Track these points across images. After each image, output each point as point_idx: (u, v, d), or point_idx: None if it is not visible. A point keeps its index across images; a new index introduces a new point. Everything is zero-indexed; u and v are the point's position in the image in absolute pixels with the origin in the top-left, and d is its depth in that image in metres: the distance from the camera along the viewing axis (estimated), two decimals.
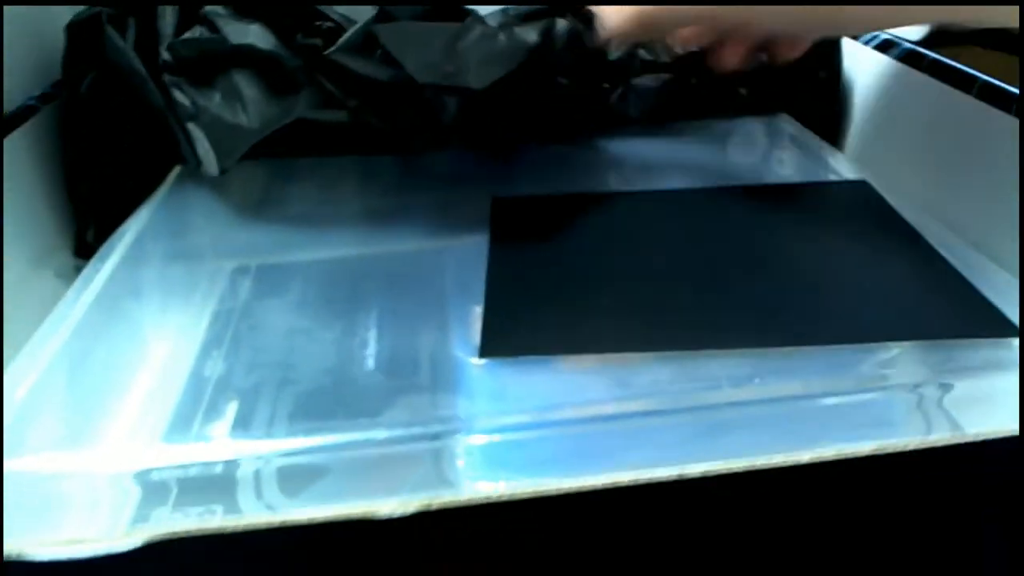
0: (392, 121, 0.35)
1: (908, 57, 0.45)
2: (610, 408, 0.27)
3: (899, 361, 0.30)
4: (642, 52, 0.48)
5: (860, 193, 0.40)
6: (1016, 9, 0.20)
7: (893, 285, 0.33)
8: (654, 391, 0.27)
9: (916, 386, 0.28)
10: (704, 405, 0.27)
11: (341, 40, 0.32)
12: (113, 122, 0.45)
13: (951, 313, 0.31)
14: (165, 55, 0.39)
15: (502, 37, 0.32)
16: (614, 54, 0.48)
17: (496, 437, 0.26)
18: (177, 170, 0.47)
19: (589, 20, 0.39)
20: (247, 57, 0.36)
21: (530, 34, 0.33)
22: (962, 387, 0.28)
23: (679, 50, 0.47)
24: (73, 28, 0.45)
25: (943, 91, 0.41)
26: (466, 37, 0.32)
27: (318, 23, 0.33)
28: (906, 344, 0.30)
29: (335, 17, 0.33)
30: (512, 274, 0.35)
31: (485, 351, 0.30)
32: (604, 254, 0.36)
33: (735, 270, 0.34)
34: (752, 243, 0.36)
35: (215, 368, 0.31)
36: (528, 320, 0.32)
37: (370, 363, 0.31)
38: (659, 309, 0.32)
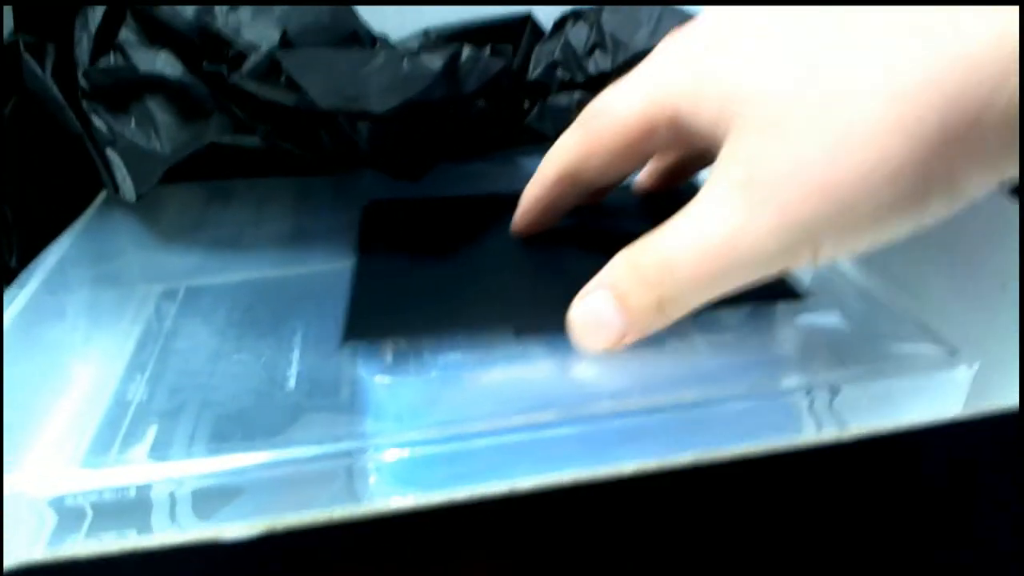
0: (304, 145, 0.36)
1: None
2: (513, 421, 0.28)
3: (790, 366, 0.32)
4: (559, 72, 0.50)
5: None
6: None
7: None
8: (549, 404, 0.29)
9: (807, 390, 0.30)
10: (600, 415, 0.28)
11: (244, 66, 0.33)
12: (35, 148, 0.45)
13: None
14: (82, 82, 0.40)
15: (405, 64, 0.34)
16: (533, 73, 0.49)
17: (404, 452, 0.27)
18: (103, 195, 0.47)
19: (504, 51, 0.40)
20: (158, 84, 0.37)
21: (434, 61, 0.34)
22: (852, 390, 0.30)
23: (593, 70, 0.49)
24: None
25: None
26: (370, 63, 0.33)
27: (224, 50, 0.34)
28: (798, 348, 0.32)
29: (240, 44, 0.34)
30: (380, 266, 0.36)
31: (348, 336, 0.31)
32: (470, 247, 0.38)
33: (580, 259, 0.36)
34: (597, 237, 0.38)
35: (137, 392, 0.32)
36: (393, 307, 0.33)
37: (290, 383, 0.32)
38: (516, 294, 0.34)
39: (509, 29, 0.50)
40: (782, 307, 0.33)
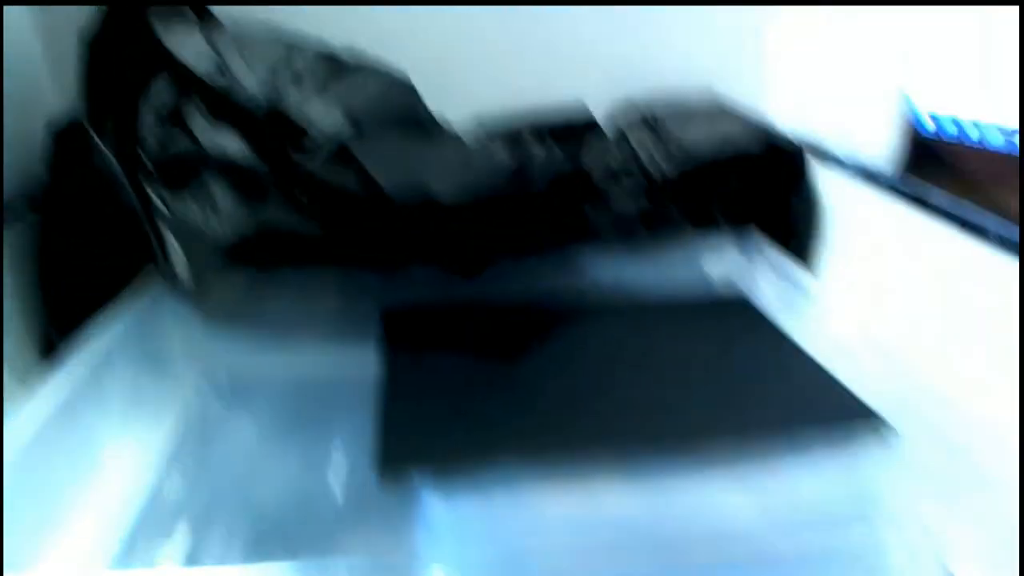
0: (363, 233, 0.35)
1: (871, 177, 0.46)
2: (577, 544, 0.26)
3: (886, 508, 0.29)
4: (622, 176, 0.49)
5: (741, 306, 0.44)
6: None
7: (772, 386, 0.35)
8: (625, 525, 0.26)
9: (908, 536, 0.28)
10: (678, 537, 0.26)
11: (314, 151, 0.32)
12: (91, 225, 0.44)
13: (824, 408, 0.33)
14: (144, 159, 0.39)
15: (476, 158, 0.33)
16: (595, 176, 0.48)
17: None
18: (152, 275, 0.46)
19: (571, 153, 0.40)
20: (220, 163, 0.36)
21: (505, 157, 0.33)
22: (960, 535, 0.27)
23: (656, 175, 0.48)
24: (57, 134, 0.45)
25: (902, 211, 0.42)
26: (440, 155, 0.33)
27: (290, 132, 0.34)
28: (892, 486, 0.30)
29: (307, 127, 0.33)
30: (408, 387, 0.35)
31: (384, 469, 0.29)
32: (499, 363, 0.37)
33: (626, 378, 0.35)
34: (642, 353, 0.37)
35: (174, 489, 0.30)
36: (426, 433, 0.32)
37: (335, 491, 0.30)
38: (553, 417, 0.32)
39: (571, 130, 0.50)
40: (871, 437, 0.31)
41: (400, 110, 0.37)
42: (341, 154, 0.33)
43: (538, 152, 0.35)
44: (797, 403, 0.33)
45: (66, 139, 0.43)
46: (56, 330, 0.44)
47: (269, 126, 0.36)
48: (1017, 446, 0.28)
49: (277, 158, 0.36)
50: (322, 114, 0.36)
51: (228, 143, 0.37)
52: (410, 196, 0.32)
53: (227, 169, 0.38)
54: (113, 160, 0.41)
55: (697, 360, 0.37)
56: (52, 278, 0.45)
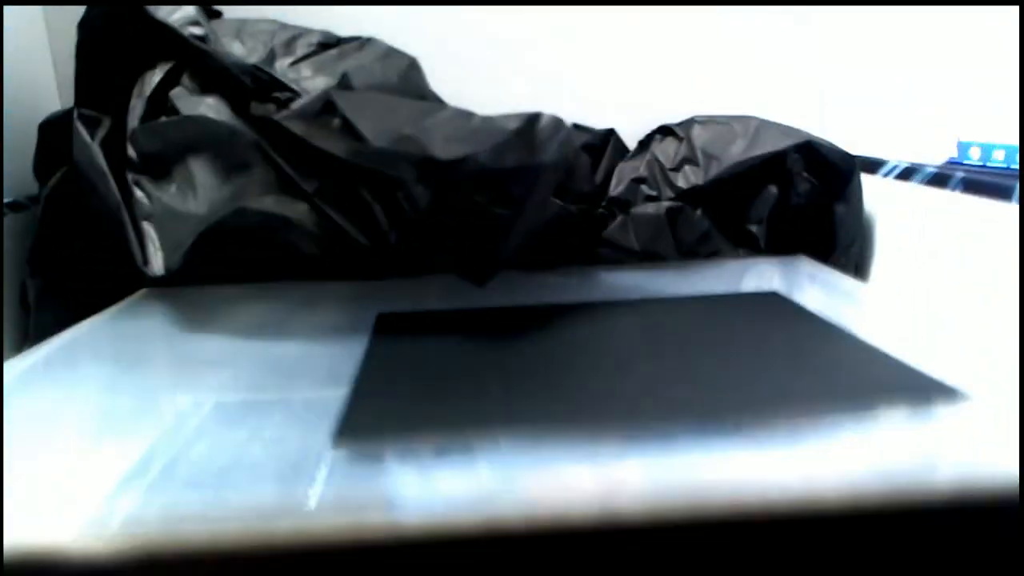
0: (354, 215, 0.31)
1: (935, 180, 0.41)
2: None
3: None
4: (644, 187, 0.45)
5: (773, 300, 0.39)
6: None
7: (820, 363, 0.31)
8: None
9: None
10: None
11: (296, 105, 0.29)
12: (77, 222, 0.41)
13: (885, 381, 0.29)
14: (130, 151, 0.36)
15: (476, 119, 0.29)
16: (616, 189, 0.45)
17: None
18: (136, 281, 0.43)
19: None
20: (202, 141, 0.33)
21: (510, 121, 0.30)
22: None
23: (683, 184, 0.44)
24: (45, 127, 0.43)
25: (980, 204, 0.37)
26: (435, 114, 0.29)
27: (276, 94, 0.30)
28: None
29: (295, 88, 0.30)
30: (381, 374, 0.32)
31: (340, 438, 0.26)
32: (496, 351, 0.33)
33: (645, 362, 0.31)
34: (663, 340, 0.33)
35: (134, 495, 0.25)
36: (388, 413, 0.29)
37: (311, 502, 0.25)
38: (547, 396, 0.29)
39: (589, 144, 0.47)
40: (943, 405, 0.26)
41: (399, 80, 0.34)
42: (325, 110, 0.30)
43: (549, 118, 0.31)
44: (853, 378, 0.28)
45: (53, 134, 0.41)
46: (31, 333, 0.40)
47: (256, 89, 0.33)
48: None
49: (261, 122, 0.32)
50: (313, 78, 0.33)
51: (212, 110, 0.34)
52: (398, 149, 0.28)
53: (210, 146, 0.35)
54: (99, 154, 0.38)
55: (725, 345, 0.33)
56: (34, 279, 0.42)
